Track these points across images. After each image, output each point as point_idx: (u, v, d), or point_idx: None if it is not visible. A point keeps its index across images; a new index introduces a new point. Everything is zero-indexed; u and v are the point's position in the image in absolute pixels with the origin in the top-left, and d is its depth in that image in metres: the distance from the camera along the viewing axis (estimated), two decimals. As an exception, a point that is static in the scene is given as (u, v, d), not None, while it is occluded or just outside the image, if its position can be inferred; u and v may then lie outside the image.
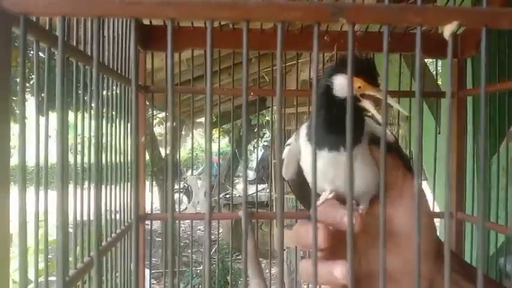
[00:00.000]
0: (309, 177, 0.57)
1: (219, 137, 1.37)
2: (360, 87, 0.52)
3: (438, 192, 1.12)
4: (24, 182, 0.31)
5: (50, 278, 0.56)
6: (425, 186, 1.64)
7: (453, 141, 0.98)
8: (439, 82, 1.99)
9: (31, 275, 0.50)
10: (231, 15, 0.32)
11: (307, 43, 0.95)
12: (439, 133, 1.28)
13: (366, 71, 0.52)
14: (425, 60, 1.63)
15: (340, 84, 0.53)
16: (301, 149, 0.59)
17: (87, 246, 0.64)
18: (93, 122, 0.62)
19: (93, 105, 0.60)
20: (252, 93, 1.02)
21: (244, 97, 0.32)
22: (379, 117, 0.52)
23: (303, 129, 0.59)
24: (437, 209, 1.08)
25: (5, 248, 0.38)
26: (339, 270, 0.44)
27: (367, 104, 0.52)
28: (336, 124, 0.50)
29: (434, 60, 1.25)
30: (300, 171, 0.61)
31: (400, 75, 1.19)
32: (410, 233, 0.49)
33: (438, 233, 0.52)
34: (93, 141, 0.60)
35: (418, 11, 0.35)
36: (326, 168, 0.54)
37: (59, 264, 0.35)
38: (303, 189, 0.63)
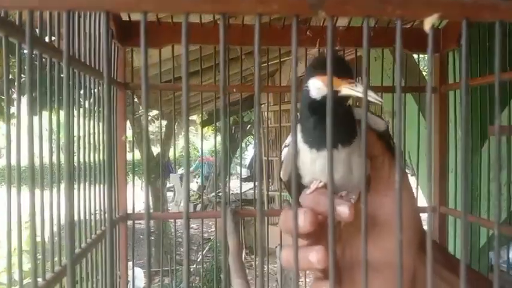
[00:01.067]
0: (304, 175, 0.56)
1: (215, 133, 1.35)
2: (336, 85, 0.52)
3: (422, 186, 1.13)
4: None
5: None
6: (413, 180, 1.65)
7: (436, 135, 0.98)
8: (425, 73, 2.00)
9: (15, 275, 0.48)
10: (209, 8, 0.31)
11: (289, 38, 0.93)
12: (425, 128, 1.29)
13: (334, 67, 0.51)
14: (415, 56, 1.64)
15: (314, 86, 0.53)
16: (299, 149, 0.59)
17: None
18: (64, 120, 0.60)
19: (64, 102, 0.58)
20: (234, 90, 1.01)
21: (222, 97, 0.31)
22: (360, 95, 0.51)
23: (298, 131, 0.59)
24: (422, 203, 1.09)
25: None
26: (314, 255, 0.43)
27: (346, 91, 0.52)
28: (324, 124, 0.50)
29: (421, 55, 1.25)
30: (297, 171, 0.61)
31: (382, 71, 1.19)
32: (394, 228, 0.49)
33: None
34: (63, 139, 0.58)
35: (398, 4, 0.34)
36: (323, 166, 0.54)
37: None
38: (298, 188, 0.63)
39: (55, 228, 0.60)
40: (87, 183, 0.74)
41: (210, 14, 0.92)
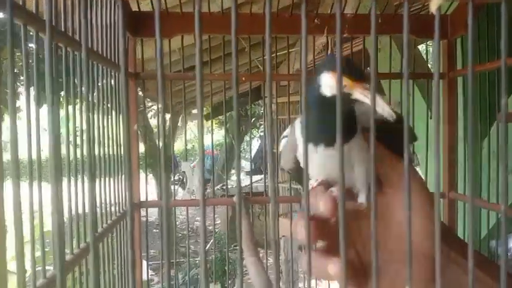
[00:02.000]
0: (311, 170, 0.58)
1: (212, 129, 1.37)
2: (345, 85, 0.53)
3: (430, 176, 1.13)
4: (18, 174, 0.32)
5: (47, 267, 0.56)
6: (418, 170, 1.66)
7: (444, 121, 0.99)
8: (430, 65, 2.00)
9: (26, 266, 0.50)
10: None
11: (297, 27, 0.94)
12: (431, 118, 1.29)
13: (350, 69, 0.52)
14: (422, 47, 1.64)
15: (326, 83, 0.54)
16: (298, 143, 0.60)
17: (83, 233, 0.64)
18: (84, 110, 0.62)
19: (83, 90, 0.60)
20: (243, 79, 1.02)
21: (234, 76, 0.32)
22: (385, 109, 0.53)
23: (298, 125, 0.60)
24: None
25: (2, 239, 0.38)
26: (332, 267, 0.45)
27: (358, 96, 0.53)
28: (329, 122, 0.51)
29: (430, 44, 1.25)
30: (298, 161, 0.63)
31: (390, 59, 1.19)
32: (412, 219, 0.50)
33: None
34: (85, 128, 0.59)
35: (406, -14, 0.35)
36: (322, 163, 0.56)
37: (55, 247, 0.35)
38: (301, 176, 0.65)
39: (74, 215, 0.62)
40: (101, 175, 0.76)
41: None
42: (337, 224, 0.47)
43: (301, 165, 0.61)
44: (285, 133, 0.63)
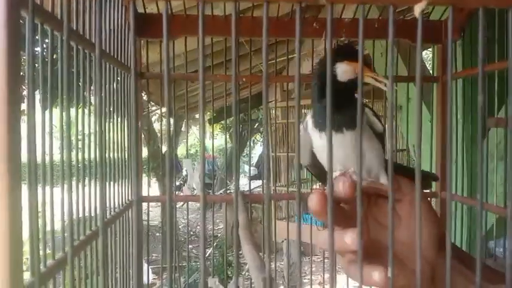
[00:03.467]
0: (323, 162, 0.61)
1: (213, 134, 1.40)
2: (356, 71, 0.57)
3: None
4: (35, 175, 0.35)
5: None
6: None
7: (438, 124, 1.02)
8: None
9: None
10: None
11: (295, 30, 0.97)
12: (430, 121, 1.32)
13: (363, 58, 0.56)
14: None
15: (341, 69, 0.58)
16: (312, 137, 0.63)
17: (89, 222, 0.67)
18: (94, 111, 0.65)
19: (94, 91, 0.63)
20: (244, 79, 1.05)
21: (233, 81, 0.36)
22: (381, 85, 0.56)
23: (309, 119, 0.63)
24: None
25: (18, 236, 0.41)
26: (349, 236, 0.47)
27: (370, 80, 0.57)
28: (338, 108, 0.54)
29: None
30: (314, 156, 0.65)
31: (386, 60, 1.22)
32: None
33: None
34: (97, 130, 0.63)
35: (391, -9, 0.38)
36: (334, 150, 0.59)
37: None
38: (319, 170, 0.68)
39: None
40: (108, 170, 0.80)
41: (222, 3, 0.96)
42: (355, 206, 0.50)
43: (318, 159, 0.64)
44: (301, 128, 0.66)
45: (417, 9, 0.38)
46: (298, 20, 0.38)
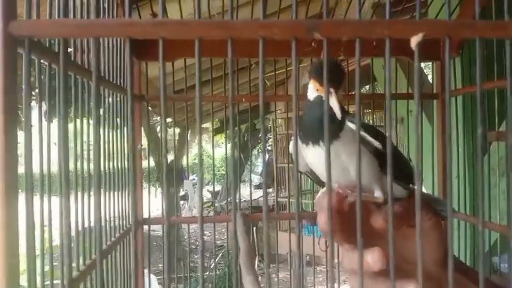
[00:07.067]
0: (314, 170, 0.62)
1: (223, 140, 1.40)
2: (317, 89, 0.58)
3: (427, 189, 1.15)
4: (31, 188, 0.35)
5: (55, 282, 0.59)
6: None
7: (438, 140, 1.01)
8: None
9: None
10: (217, 34, 0.36)
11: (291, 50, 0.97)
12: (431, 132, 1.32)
13: (321, 74, 0.58)
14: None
15: (309, 88, 0.61)
16: (300, 147, 0.64)
17: (89, 249, 0.67)
18: (92, 132, 0.65)
19: (92, 115, 0.63)
20: (243, 100, 1.06)
21: (231, 111, 0.36)
22: (336, 108, 0.56)
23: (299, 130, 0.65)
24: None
25: (14, 252, 0.40)
26: (370, 256, 0.47)
27: (332, 102, 0.57)
28: (313, 122, 0.56)
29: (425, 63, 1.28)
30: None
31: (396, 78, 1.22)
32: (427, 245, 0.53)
33: None
34: (92, 150, 0.63)
35: (386, 25, 0.38)
36: (317, 163, 0.60)
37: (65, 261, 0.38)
38: (318, 176, 0.68)
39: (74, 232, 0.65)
40: (106, 190, 0.79)
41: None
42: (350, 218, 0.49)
43: (309, 166, 0.64)
44: (293, 136, 0.67)
45: (413, 42, 0.39)
46: (293, 53, 0.38)
